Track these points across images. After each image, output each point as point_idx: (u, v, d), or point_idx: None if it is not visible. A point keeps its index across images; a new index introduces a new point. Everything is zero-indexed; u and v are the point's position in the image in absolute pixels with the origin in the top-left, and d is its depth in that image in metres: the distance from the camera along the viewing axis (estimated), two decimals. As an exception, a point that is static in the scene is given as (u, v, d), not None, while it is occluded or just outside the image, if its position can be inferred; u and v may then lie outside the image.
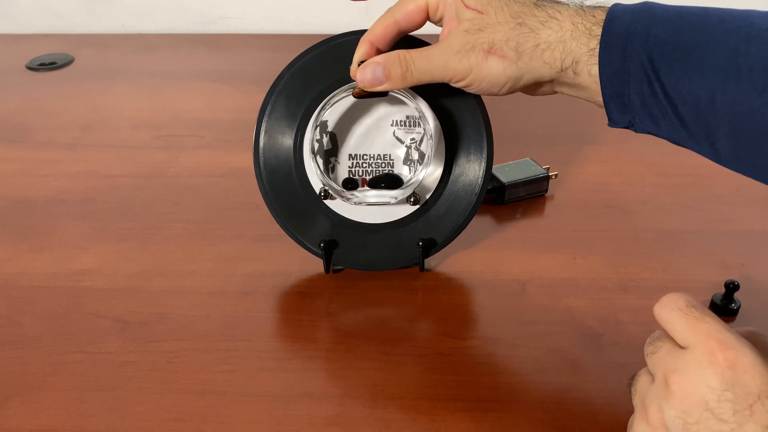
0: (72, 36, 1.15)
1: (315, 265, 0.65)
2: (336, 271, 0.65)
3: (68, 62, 1.06)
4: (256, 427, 0.51)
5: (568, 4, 0.51)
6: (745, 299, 0.60)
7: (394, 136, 0.61)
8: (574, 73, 0.50)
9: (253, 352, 0.57)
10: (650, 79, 0.47)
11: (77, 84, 1.00)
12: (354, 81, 0.55)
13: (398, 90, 0.56)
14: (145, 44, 1.12)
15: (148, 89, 0.98)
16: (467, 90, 0.54)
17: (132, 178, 0.79)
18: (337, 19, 1.16)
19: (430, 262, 0.65)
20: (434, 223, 0.63)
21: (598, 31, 0.48)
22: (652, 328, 0.58)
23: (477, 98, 0.61)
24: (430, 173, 0.61)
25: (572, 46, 0.49)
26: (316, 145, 0.61)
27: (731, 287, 0.59)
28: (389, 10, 0.55)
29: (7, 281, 0.64)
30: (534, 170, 0.74)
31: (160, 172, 0.80)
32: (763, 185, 0.48)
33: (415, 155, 0.61)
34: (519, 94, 0.54)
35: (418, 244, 0.63)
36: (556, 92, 0.54)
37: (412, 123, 0.61)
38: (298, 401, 0.52)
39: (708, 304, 0.61)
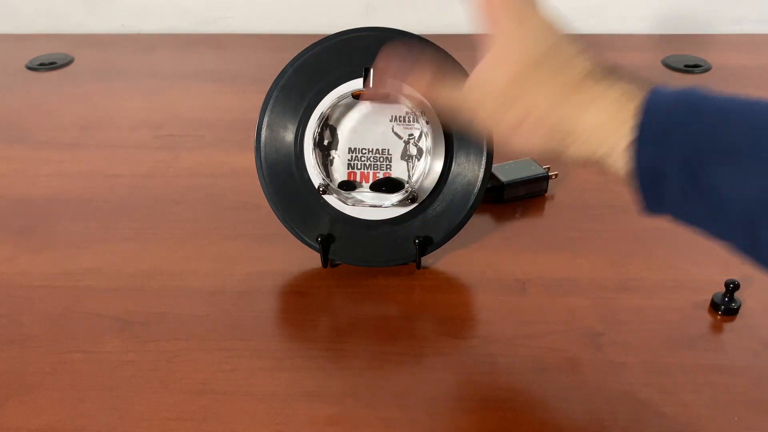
0: (72, 36, 1.15)
1: (315, 264, 0.65)
2: (334, 266, 0.65)
3: (68, 62, 1.05)
4: (256, 427, 0.51)
5: (616, 81, 0.44)
6: (745, 299, 0.60)
7: (392, 132, 0.61)
8: (605, 163, 0.44)
9: (253, 351, 0.57)
10: (690, 176, 0.41)
11: (77, 84, 1.00)
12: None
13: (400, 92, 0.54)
14: (144, 44, 1.12)
15: (148, 89, 0.98)
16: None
17: (132, 178, 0.79)
18: (337, 19, 1.16)
19: (428, 260, 0.65)
20: (432, 221, 0.63)
21: (633, 121, 0.42)
22: (653, 327, 0.58)
23: None
24: (429, 171, 0.61)
25: (606, 137, 0.43)
26: (317, 139, 0.61)
27: (732, 287, 0.59)
28: None
29: (7, 281, 0.64)
30: (534, 170, 0.74)
31: (160, 172, 0.80)
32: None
33: (414, 150, 0.62)
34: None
35: (415, 242, 0.63)
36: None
37: (411, 119, 0.61)
38: (298, 401, 0.52)
39: (708, 303, 0.61)
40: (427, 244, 0.63)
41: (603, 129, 0.44)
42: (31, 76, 1.03)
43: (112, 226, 0.71)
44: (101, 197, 0.75)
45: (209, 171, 0.80)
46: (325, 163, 0.62)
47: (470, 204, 0.62)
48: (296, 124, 0.62)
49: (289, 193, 0.63)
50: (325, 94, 0.61)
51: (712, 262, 0.65)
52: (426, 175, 0.61)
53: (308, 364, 0.56)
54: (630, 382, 0.54)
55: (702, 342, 0.57)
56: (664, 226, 0.70)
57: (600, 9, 1.14)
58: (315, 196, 0.62)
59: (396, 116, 0.61)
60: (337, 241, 0.64)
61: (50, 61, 1.05)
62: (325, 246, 0.63)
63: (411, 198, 0.61)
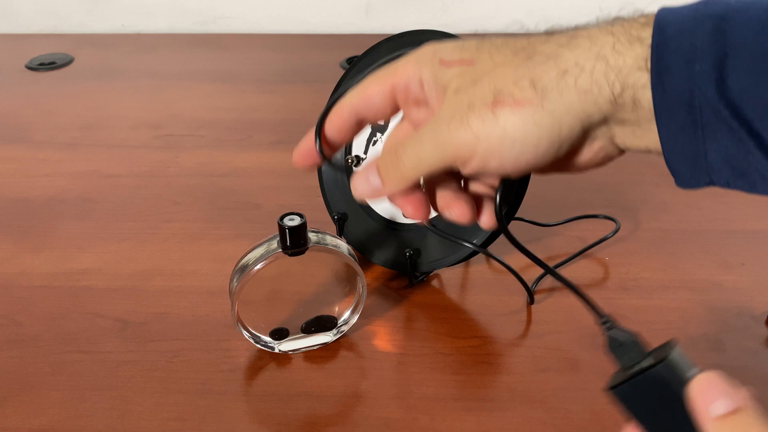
0: (72, 36, 1.15)
1: (315, 264, 0.65)
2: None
3: (68, 62, 1.05)
4: (256, 427, 0.51)
5: (598, 22, 0.36)
6: (745, 299, 0.60)
7: None
8: (634, 102, 0.33)
9: (253, 351, 0.57)
10: (733, 116, 0.32)
11: (77, 84, 1.00)
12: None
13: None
14: (144, 44, 1.12)
15: (147, 89, 0.98)
16: (487, 173, 0.38)
17: (132, 178, 0.79)
18: (337, 19, 1.16)
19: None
20: (426, 242, 0.62)
21: (647, 34, 0.33)
22: (652, 327, 0.58)
23: None
24: None
25: (619, 63, 0.33)
26: None
27: None
28: (347, 94, 0.41)
29: (7, 281, 0.64)
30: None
31: (160, 172, 0.80)
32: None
33: None
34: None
35: (406, 254, 0.62)
36: (621, 150, 0.37)
37: None
38: (298, 401, 0.52)
39: (707, 303, 0.60)
40: (416, 258, 0.63)
41: (607, 56, 0.33)
42: (31, 76, 1.03)
43: (112, 226, 0.71)
44: (101, 197, 0.75)
45: (209, 171, 0.80)
46: (369, 140, 0.63)
47: (464, 253, 0.61)
48: None
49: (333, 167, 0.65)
50: None
51: (711, 262, 0.65)
52: None
53: (308, 364, 0.56)
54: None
55: (702, 342, 0.57)
56: (664, 226, 0.71)
57: (600, 9, 1.14)
58: (344, 169, 0.64)
59: None
60: (350, 218, 0.65)
61: (50, 61, 1.05)
62: (340, 222, 0.65)
63: None
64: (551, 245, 0.67)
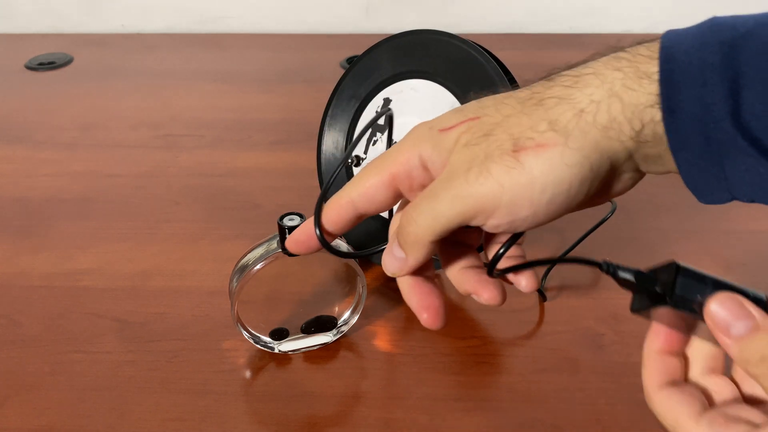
0: (71, 36, 1.15)
1: (315, 264, 0.65)
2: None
3: (67, 62, 1.05)
4: (256, 427, 0.51)
5: (596, 58, 0.35)
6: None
7: None
8: (654, 136, 0.33)
9: (253, 351, 0.57)
10: (745, 134, 0.32)
11: (76, 84, 1.00)
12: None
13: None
14: (144, 44, 1.12)
15: (147, 89, 0.98)
16: (512, 227, 0.35)
17: (131, 177, 0.78)
18: (337, 19, 1.16)
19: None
20: None
21: (654, 68, 0.33)
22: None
23: None
24: None
25: (633, 100, 0.33)
26: (375, 116, 0.62)
27: None
28: (345, 186, 0.39)
29: (6, 281, 0.64)
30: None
31: (160, 171, 0.79)
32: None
33: None
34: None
35: None
36: (642, 173, 0.37)
37: None
38: (298, 401, 0.52)
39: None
40: None
41: (620, 93, 0.33)
42: (30, 76, 1.02)
43: (112, 226, 0.71)
44: (101, 197, 0.75)
45: (209, 171, 0.80)
46: (369, 140, 0.63)
47: None
48: (363, 96, 0.64)
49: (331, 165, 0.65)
50: (400, 80, 0.62)
51: (712, 262, 0.65)
52: None
53: (308, 365, 0.56)
54: (630, 382, 0.54)
55: (702, 342, 0.57)
56: (663, 226, 0.71)
57: (600, 9, 1.14)
58: (345, 169, 0.64)
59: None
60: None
61: (49, 61, 1.05)
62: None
63: None
64: (549, 238, 0.67)
